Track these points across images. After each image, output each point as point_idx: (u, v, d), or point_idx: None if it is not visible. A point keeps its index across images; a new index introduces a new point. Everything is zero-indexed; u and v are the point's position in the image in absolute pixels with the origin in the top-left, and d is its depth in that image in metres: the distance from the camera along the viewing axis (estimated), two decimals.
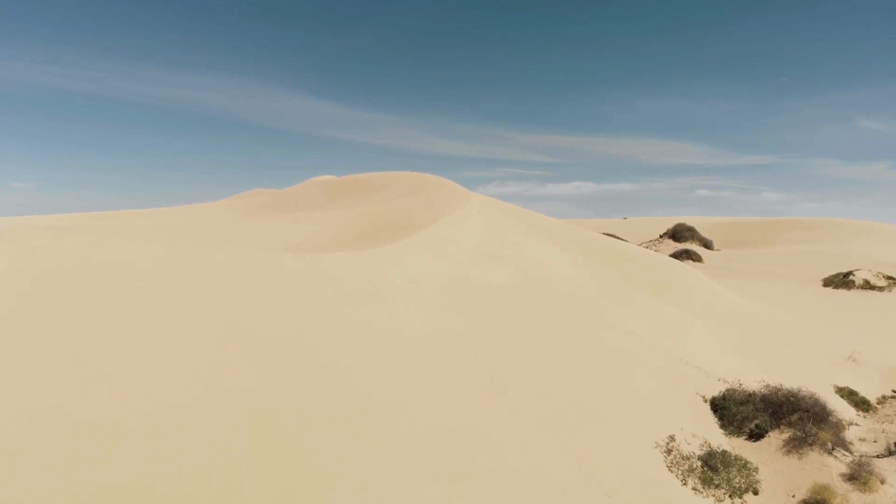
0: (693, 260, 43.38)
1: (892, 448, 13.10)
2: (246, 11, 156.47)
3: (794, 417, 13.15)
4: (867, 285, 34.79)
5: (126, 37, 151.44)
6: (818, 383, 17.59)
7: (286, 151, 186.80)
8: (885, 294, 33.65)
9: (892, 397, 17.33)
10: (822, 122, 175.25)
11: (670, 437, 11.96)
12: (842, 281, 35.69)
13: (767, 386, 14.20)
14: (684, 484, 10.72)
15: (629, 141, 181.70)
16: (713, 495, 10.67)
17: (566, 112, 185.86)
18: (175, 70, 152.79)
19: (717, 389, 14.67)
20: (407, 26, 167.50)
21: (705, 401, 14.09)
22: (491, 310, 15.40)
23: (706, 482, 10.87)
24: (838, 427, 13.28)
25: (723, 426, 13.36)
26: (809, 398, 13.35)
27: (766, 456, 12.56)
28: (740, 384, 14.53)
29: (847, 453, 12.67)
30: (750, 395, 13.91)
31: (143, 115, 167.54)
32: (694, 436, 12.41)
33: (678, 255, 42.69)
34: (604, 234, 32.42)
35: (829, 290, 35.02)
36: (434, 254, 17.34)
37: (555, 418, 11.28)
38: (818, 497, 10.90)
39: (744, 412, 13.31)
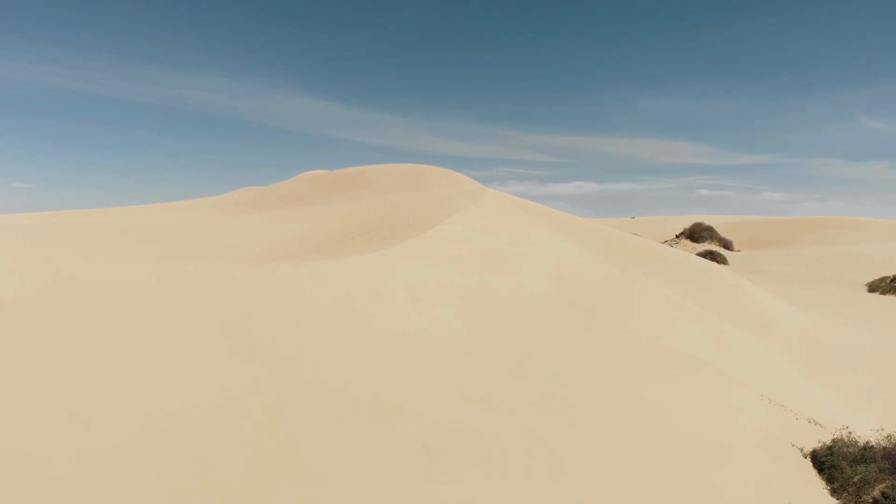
0: (718, 262, 39.94)
1: None
2: (246, 11, 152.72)
3: None
4: None
5: (126, 37, 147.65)
6: None
7: (287, 151, 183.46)
8: None
9: None
10: (823, 121, 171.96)
11: None
12: (889, 286, 32.35)
13: (889, 437, 10.78)
14: None
15: (630, 141, 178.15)
16: None
17: (566, 112, 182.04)
18: (175, 70, 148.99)
19: (813, 437, 11.27)
20: (407, 26, 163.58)
21: (804, 455, 10.70)
22: (509, 322, 12.03)
23: None
24: None
25: (834, 492, 9.96)
26: None
27: None
28: (849, 433, 11.12)
29: None
30: (864, 448, 10.52)
31: (143, 115, 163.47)
32: None
33: (703, 257, 39.24)
34: (632, 234, 29.03)
35: (877, 295, 31.70)
36: (439, 257, 13.94)
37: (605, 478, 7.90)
38: None
39: (863, 474, 9.92)
